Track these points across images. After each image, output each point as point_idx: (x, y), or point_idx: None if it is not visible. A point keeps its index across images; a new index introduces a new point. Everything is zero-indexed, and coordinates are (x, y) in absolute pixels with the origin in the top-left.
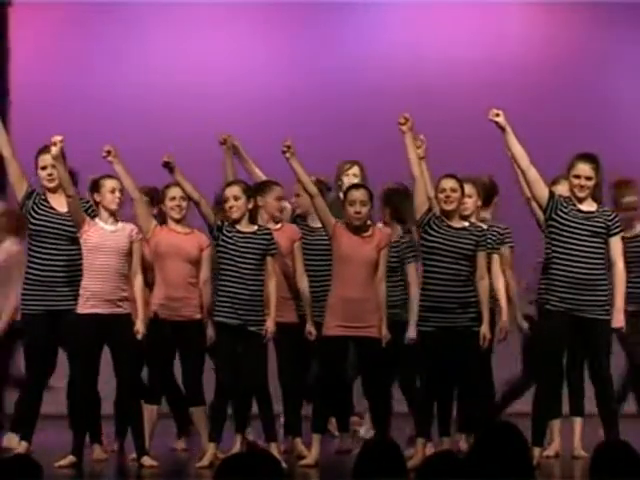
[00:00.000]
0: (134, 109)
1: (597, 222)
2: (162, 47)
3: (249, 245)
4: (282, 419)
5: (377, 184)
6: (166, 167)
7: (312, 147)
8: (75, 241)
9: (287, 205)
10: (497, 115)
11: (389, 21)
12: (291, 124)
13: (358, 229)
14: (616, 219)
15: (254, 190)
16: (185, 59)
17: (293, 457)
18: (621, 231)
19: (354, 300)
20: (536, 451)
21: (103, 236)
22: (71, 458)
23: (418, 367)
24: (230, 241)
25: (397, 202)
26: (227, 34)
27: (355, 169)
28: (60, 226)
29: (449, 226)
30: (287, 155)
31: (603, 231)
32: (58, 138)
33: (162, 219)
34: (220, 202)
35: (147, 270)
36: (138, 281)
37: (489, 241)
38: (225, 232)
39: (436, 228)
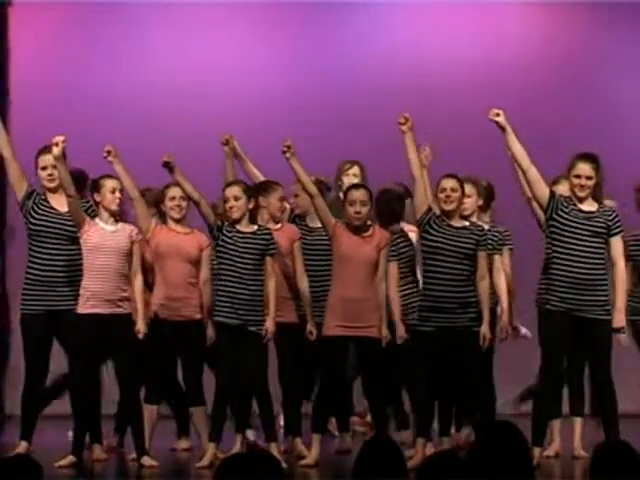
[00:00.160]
0: (134, 109)
1: (598, 222)
2: (162, 47)
3: (249, 245)
4: (282, 419)
5: (377, 184)
6: (166, 167)
7: (312, 147)
8: (75, 241)
9: (286, 205)
10: (497, 115)
11: (389, 21)
12: (291, 124)
13: (358, 229)
14: (617, 219)
15: (256, 190)
16: (185, 59)
17: (293, 457)
18: (622, 231)
19: (354, 300)
20: (536, 451)
21: (103, 236)
22: (71, 458)
23: (417, 367)
24: (230, 241)
25: (383, 204)
26: (227, 34)
27: (355, 169)
28: (60, 226)
29: (449, 225)
30: (287, 155)
31: (604, 231)
32: (60, 138)
33: (162, 219)
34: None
35: (147, 270)
36: (138, 281)
37: (490, 242)
38: (225, 232)
39: (436, 228)
